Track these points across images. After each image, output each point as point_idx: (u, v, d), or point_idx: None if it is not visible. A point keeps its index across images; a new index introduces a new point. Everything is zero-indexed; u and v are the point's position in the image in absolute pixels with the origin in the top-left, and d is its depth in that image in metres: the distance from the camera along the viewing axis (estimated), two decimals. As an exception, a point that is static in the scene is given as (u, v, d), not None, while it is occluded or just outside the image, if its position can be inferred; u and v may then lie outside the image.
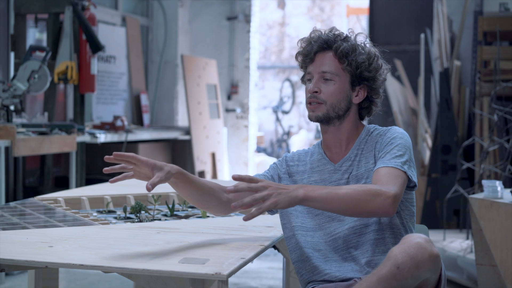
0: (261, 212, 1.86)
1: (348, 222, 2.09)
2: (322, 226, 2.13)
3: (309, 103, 2.16)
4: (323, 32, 2.18)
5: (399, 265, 1.78)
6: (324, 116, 2.14)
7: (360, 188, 1.94)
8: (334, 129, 2.18)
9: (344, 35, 2.17)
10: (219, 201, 2.17)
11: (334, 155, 2.20)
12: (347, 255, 2.09)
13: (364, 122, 2.26)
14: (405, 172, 2.03)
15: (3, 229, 2.22)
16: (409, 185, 2.09)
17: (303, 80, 2.24)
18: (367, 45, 2.18)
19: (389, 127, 2.18)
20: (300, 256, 2.16)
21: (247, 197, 1.86)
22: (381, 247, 2.07)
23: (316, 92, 2.13)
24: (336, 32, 2.17)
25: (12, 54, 5.84)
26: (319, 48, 2.15)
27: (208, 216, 2.61)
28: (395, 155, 2.06)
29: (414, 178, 2.07)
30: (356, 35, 2.19)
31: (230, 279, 3.64)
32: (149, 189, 1.93)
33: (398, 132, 2.13)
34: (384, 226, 2.09)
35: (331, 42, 2.14)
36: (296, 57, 2.22)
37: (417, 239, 1.82)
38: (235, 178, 1.91)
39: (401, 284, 1.78)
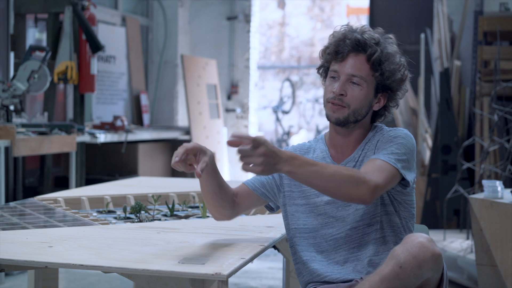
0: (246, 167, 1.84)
1: (351, 222, 2.08)
2: (325, 226, 2.12)
3: (331, 103, 2.11)
4: (356, 30, 2.11)
5: (401, 264, 1.78)
6: (345, 120, 2.10)
7: (346, 172, 1.91)
8: (347, 132, 2.15)
9: (377, 38, 2.11)
10: (231, 202, 2.14)
11: (339, 154, 2.17)
12: (349, 255, 2.09)
13: None
14: (397, 170, 2.00)
15: (3, 229, 2.22)
16: (402, 183, 2.06)
17: (321, 71, 2.18)
18: (397, 52, 2.14)
19: (395, 128, 2.15)
20: (301, 259, 2.15)
21: (243, 146, 1.83)
22: (382, 246, 2.07)
23: (342, 95, 2.09)
24: (370, 34, 2.11)
25: (12, 54, 5.83)
26: (353, 49, 2.09)
27: (208, 216, 2.61)
28: (391, 152, 2.03)
29: (409, 177, 2.03)
30: (384, 35, 2.14)
31: (230, 279, 3.64)
32: (199, 175, 1.94)
33: (402, 133, 2.11)
34: (385, 225, 2.08)
35: (366, 46, 2.08)
36: (325, 50, 2.15)
37: (419, 238, 1.82)
38: (233, 136, 1.86)
39: (404, 283, 1.79)
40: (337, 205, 2.10)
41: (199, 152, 1.99)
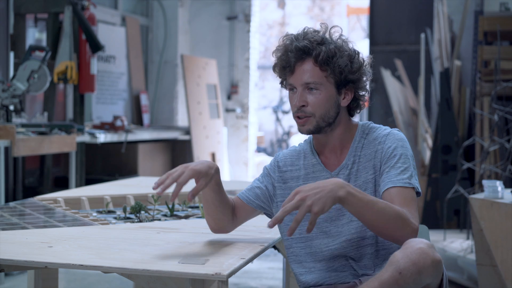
0: (297, 223, 1.77)
1: (345, 234, 2.05)
2: (319, 235, 2.09)
3: (297, 117, 2.07)
4: (297, 37, 2.06)
5: (401, 270, 1.75)
6: (315, 128, 2.06)
7: (394, 210, 1.88)
8: (326, 136, 2.10)
9: (320, 37, 2.05)
10: (230, 216, 2.13)
11: (329, 160, 2.12)
12: (346, 262, 2.07)
13: (356, 119, 2.20)
14: (414, 189, 2.00)
15: (3, 229, 2.21)
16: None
17: (283, 85, 2.13)
18: (345, 41, 2.07)
19: (387, 132, 2.09)
20: (299, 268, 2.13)
21: (279, 212, 1.78)
22: (376, 260, 2.05)
23: (303, 106, 2.05)
24: (311, 37, 2.05)
25: (11, 54, 5.83)
26: (297, 58, 2.03)
27: (208, 216, 2.60)
28: (400, 169, 2.00)
29: (419, 188, 2.03)
30: (329, 30, 2.08)
31: (230, 279, 3.63)
32: (189, 200, 1.93)
33: (398, 139, 2.06)
34: (379, 239, 2.05)
35: (308, 50, 2.02)
36: (274, 69, 2.11)
37: (420, 244, 1.79)
38: (271, 226, 1.81)
39: None
40: (331, 214, 2.07)
41: (198, 176, 1.98)
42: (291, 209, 1.76)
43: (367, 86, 2.12)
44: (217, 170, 2.04)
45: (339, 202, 1.82)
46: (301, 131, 2.09)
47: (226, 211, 2.12)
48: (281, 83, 2.15)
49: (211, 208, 2.10)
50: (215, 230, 2.16)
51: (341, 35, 2.08)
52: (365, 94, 2.13)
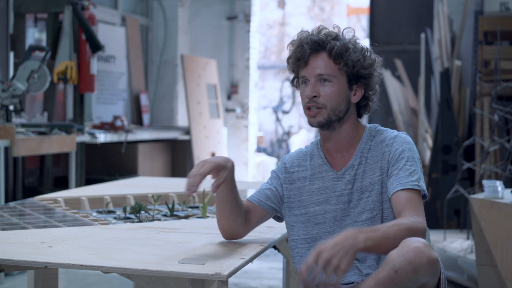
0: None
1: None
2: (322, 235, 2.10)
3: (308, 108, 2.10)
4: (312, 33, 2.12)
5: (397, 269, 1.75)
6: (326, 121, 2.09)
7: (404, 227, 1.89)
8: (335, 133, 2.12)
9: (334, 33, 2.11)
10: (243, 218, 2.14)
11: (336, 160, 2.14)
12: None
13: (362, 120, 2.22)
14: (421, 191, 2.03)
15: (3, 229, 2.21)
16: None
17: (294, 83, 2.18)
18: (357, 41, 2.13)
19: (394, 135, 2.12)
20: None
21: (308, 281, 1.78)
22: (380, 262, 2.05)
23: (315, 96, 2.08)
24: (326, 31, 2.11)
25: (11, 54, 5.83)
26: (312, 50, 2.09)
27: (208, 216, 2.61)
28: (408, 171, 2.04)
29: (426, 191, 2.06)
30: (343, 30, 2.13)
31: (230, 279, 3.63)
32: (214, 190, 1.99)
33: (405, 142, 2.09)
34: None
35: (323, 43, 2.08)
36: (288, 61, 2.15)
37: (416, 243, 1.79)
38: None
39: None
40: (335, 214, 2.09)
41: (218, 169, 2.01)
42: (318, 273, 1.77)
43: (377, 87, 2.15)
44: (233, 165, 2.08)
45: (362, 251, 1.84)
46: (311, 123, 2.11)
47: (240, 213, 2.12)
48: (292, 81, 2.18)
49: (226, 208, 2.10)
50: (228, 234, 2.14)
51: (354, 35, 2.14)
52: (374, 96, 2.16)
